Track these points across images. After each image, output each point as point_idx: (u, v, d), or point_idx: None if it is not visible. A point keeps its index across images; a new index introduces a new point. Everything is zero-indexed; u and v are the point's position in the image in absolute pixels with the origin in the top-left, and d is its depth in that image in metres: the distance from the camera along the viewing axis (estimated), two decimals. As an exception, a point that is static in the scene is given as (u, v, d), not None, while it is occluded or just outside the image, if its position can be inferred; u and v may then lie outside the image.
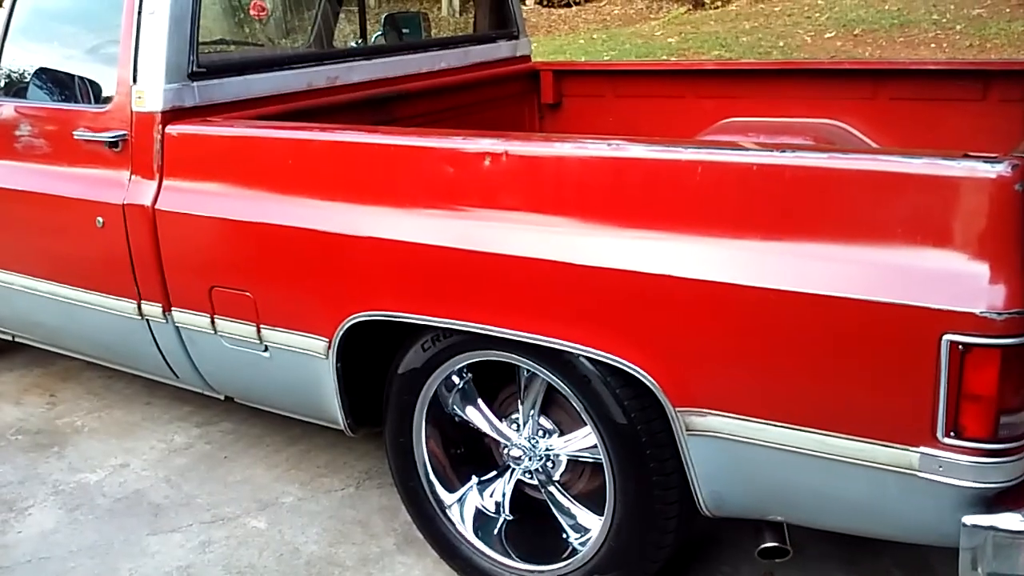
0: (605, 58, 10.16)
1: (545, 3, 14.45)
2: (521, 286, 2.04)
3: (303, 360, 2.44)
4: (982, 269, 1.59)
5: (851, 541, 2.43)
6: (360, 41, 4.13)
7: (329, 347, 2.36)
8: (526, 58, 4.03)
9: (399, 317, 2.24)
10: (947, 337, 1.60)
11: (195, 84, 2.67)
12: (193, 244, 2.59)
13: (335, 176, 2.31)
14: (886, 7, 10.67)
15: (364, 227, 2.23)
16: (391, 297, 2.23)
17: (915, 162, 1.66)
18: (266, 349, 2.52)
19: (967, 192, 1.60)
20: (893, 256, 1.66)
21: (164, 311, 2.70)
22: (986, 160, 1.59)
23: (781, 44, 10.04)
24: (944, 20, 9.99)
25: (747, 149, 1.82)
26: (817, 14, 11.00)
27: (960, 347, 1.59)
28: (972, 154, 1.62)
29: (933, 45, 9.45)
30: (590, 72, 4.05)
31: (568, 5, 14.33)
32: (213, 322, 2.60)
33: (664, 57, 9.96)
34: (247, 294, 2.49)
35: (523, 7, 14.09)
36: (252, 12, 5.43)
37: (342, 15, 4.29)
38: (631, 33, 11.75)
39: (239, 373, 2.69)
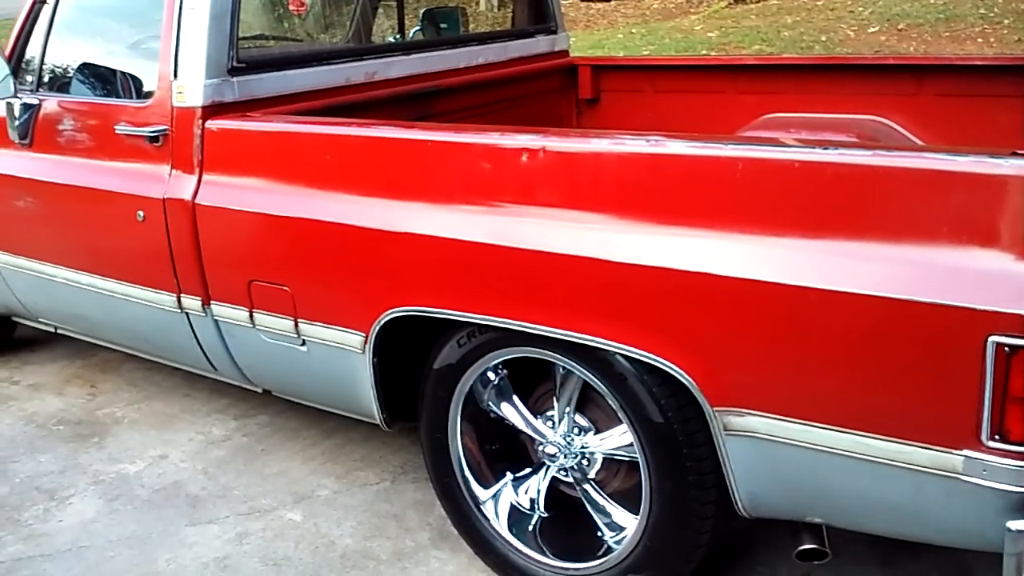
0: (644, 53, 10.09)
1: (584, -2, 14.39)
2: (557, 283, 2.03)
3: (340, 354, 2.45)
4: (1029, 270, 1.55)
5: (888, 543, 2.39)
6: (398, 36, 4.14)
7: (365, 342, 2.37)
8: (564, 53, 4.01)
9: (435, 313, 2.24)
10: (993, 339, 1.56)
11: (235, 79, 2.69)
12: (232, 238, 2.61)
13: (371, 172, 2.32)
14: (931, 1, 10.49)
15: (400, 223, 2.23)
16: (427, 293, 2.23)
17: (961, 160, 1.62)
18: (303, 343, 2.53)
19: (1014, 191, 1.56)
20: (938, 256, 1.63)
21: (203, 304, 2.73)
22: (1035, 158, 1.55)
23: (823, 39, 9.90)
24: (991, 14, 9.80)
25: (788, 146, 1.79)
26: (860, 8, 10.84)
27: (1006, 349, 1.56)
28: (1020, 152, 1.58)
29: (980, 40, 9.27)
30: (628, 67, 4.02)
31: (607, 0, 14.25)
32: (252, 316, 2.62)
33: (704, 52, 9.87)
34: (285, 288, 2.50)
35: (562, 2, 14.09)
36: (292, 7, 5.46)
37: (380, 10, 4.30)
38: (671, 28, 11.66)
39: (277, 367, 2.71)
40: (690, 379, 1.91)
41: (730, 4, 12.54)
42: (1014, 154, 1.58)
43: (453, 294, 2.20)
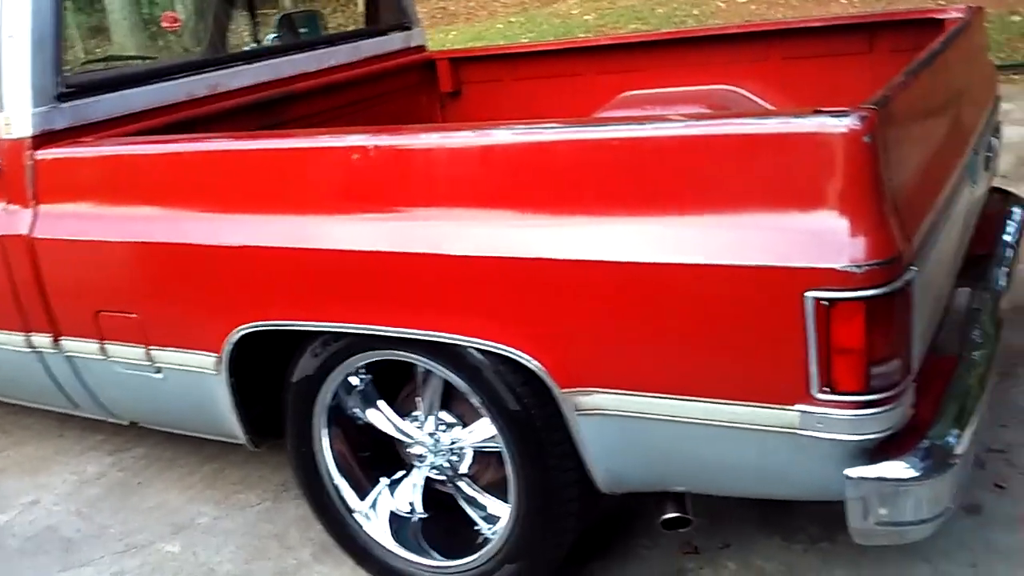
0: (523, 40, 10.12)
1: (463, -9, 14.35)
2: (401, 282, 2.00)
3: (195, 378, 2.38)
4: (840, 224, 1.58)
5: (765, 502, 2.44)
6: (255, 44, 4.06)
7: (219, 362, 2.30)
8: (421, 48, 3.97)
9: (285, 325, 2.19)
10: (810, 294, 1.59)
11: (64, 105, 2.58)
12: (74, 270, 2.51)
13: (206, 187, 2.25)
14: (796, -32, 10.74)
15: (238, 236, 2.17)
16: (274, 305, 2.18)
17: (768, 123, 1.65)
18: (159, 370, 2.45)
19: (819, 148, 1.59)
20: (755, 219, 1.65)
21: (54, 341, 2.62)
22: (835, 114, 1.58)
23: (696, 12, 10.09)
24: (853, -23, 10.09)
25: (607, 125, 1.80)
26: (730, -20, 11.05)
27: (825, 303, 1.59)
28: (822, 109, 1.61)
29: (844, 1, 9.55)
30: (486, 57, 4.00)
31: (486, -9, 14.24)
32: (103, 348, 2.53)
33: (582, 35, 9.95)
34: (133, 316, 2.42)
35: (441, -4, 13.99)
36: (164, 24, 5.32)
37: (235, 20, 4.21)
38: (549, 14, 11.73)
39: (136, 397, 2.62)
40: (538, 364, 1.90)
41: (606, -14, 12.64)
42: (816, 112, 1.61)
43: (300, 304, 2.15)
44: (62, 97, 2.58)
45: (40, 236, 2.50)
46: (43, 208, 2.52)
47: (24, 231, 2.53)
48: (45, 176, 2.51)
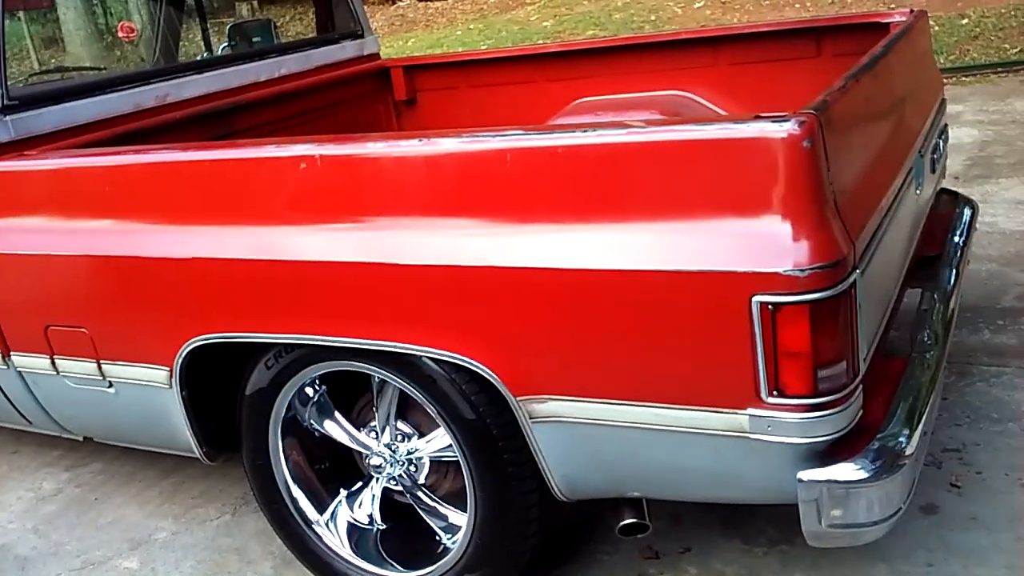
0: (482, 47, 10.13)
1: (422, -3, 14.35)
2: (350, 291, 1.99)
3: (148, 392, 2.36)
4: (782, 228, 1.60)
5: (725, 505, 2.46)
6: (206, 54, 4.03)
7: (171, 376, 2.28)
8: (374, 56, 3.96)
9: (236, 337, 2.17)
10: (756, 298, 1.61)
11: (8, 118, 2.55)
12: (22, 284, 2.47)
13: (152, 198, 2.23)
14: (751, -28, 10.86)
15: (186, 248, 2.15)
16: (224, 317, 2.17)
17: (708, 128, 1.67)
18: (110, 385, 2.42)
19: (759, 153, 1.61)
20: (699, 225, 1.66)
21: (3, 357, 2.58)
22: (775, 120, 1.60)
23: (653, 18, 10.16)
24: (807, -20, 10.22)
25: (551, 132, 1.80)
26: (687, -15, 11.15)
27: (770, 307, 1.60)
28: (763, 115, 1.63)
29: (797, 6, 9.67)
30: (440, 65, 4.00)
31: (444, -2, 14.26)
32: (54, 362, 2.49)
33: (540, 41, 9.98)
34: (82, 330, 2.39)
35: (400, 3, 13.97)
36: (121, 34, 5.26)
37: (188, 30, 4.18)
38: (507, 20, 11.76)
39: (89, 412, 2.59)
40: (491, 372, 1.90)
41: (564, -8, 12.70)
42: (757, 117, 1.63)
43: (250, 316, 2.14)
44: (6, 110, 2.55)
45: (-14, 251, 2.46)
46: (-11, 223, 2.48)
47: (-30, 246, 2.48)
48: (-10, 190, 2.47)
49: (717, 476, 1.86)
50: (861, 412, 1.75)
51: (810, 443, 1.69)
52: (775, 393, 1.66)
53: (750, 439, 1.72)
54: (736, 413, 1.71)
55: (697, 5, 10.22)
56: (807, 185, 1.59)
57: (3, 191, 2.48)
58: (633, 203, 1.71)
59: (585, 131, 1.74)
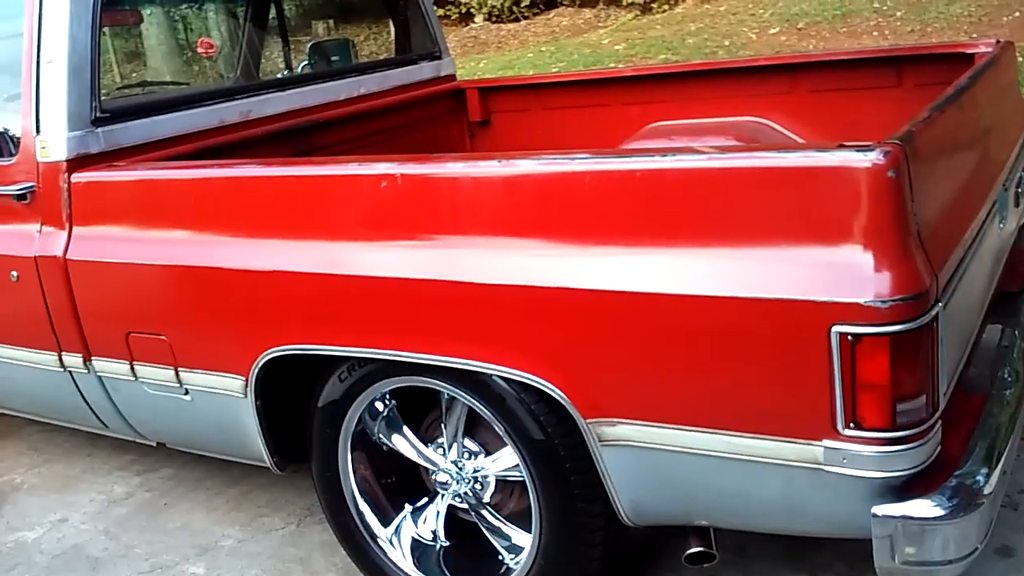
0: (553, 70, 10.18)
1: (494, 19, 14.47)
2: (424, 308, 2.02)
3: (223, 400, 2.41)
4: (864, 258, 1.58)
5: (792, 538, 2.41)
6: (286, 72, 4.13)
7: (247, 385, 2.33)
8: (451, 77, 4.02)
9: (312, 349, 2.21)
10: (836, 328, 1.59)
11: (99, 130, 2.63)
12: (106, 291, 2.55)
13: (236, 212, 2.28)
14: (827, -1, 10.76)
15: (269, 261, 2.20)
16: (302, 330, 2.21)
17: (791, 156, 1.66)
18: (186, 392, 2.48)
19: (843, 182, 1.59)
20: (779, 252, 1.65)
21: (85, 361, 2.66)
22: (859, 149, 1.59)
23: (727, 43, 10.09)
24: (885, 8, 10.07)
25: (630, 156, 1.81)
26: (761, 11, 11.06)
27: (849, 338, 1.58)
28: (847, 144, 1.62)
29: (876, 33, 9.52)
30: (515, 87, 4.04)
31: (517, 20, 14.35)
32: (133, 368, 2.56)
33: (612, 65, 9.98)
34: (162, 338, 2.45)
35: (473, 24, 14.11)
36: (200, 50, 5.42)
37: (270, 47, 4.28)
38: (579, 43, 11.78)
39: (164, 418, 2.65)
40: (561, 393, 1.91)
41: (636, 16, 12.71)
42: (840, 146, 1.61)
43: (328, 329, 2.17)
44: (97, 122, 2.64)
45: (73, 257, 2.55)
46: (77, 230, 2.57)
47: (58, 252, 2.57)
48: (79, 199, 2.56)
49: (787, 507, 1.83)
50: (939, 448, 1.71)
51: (886, 477, 1.66)
52: (852, 425, 1.64)
53: (824, 471, 1.69)
54: (810, 444, 1.69)
55: (772, 31, 10.13)
56: (891, 216, 1.58)
57: (92, 200, 2.56)
58: (712, 228, 1.71)
59: (665, 155, 1.75)
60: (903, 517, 1.67)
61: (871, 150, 1.57)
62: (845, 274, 1.59)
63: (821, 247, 1.62)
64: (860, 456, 1.65)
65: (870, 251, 1.58)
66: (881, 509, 1.67)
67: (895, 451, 1.63)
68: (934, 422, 1.67)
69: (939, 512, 1.66)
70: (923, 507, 1.67)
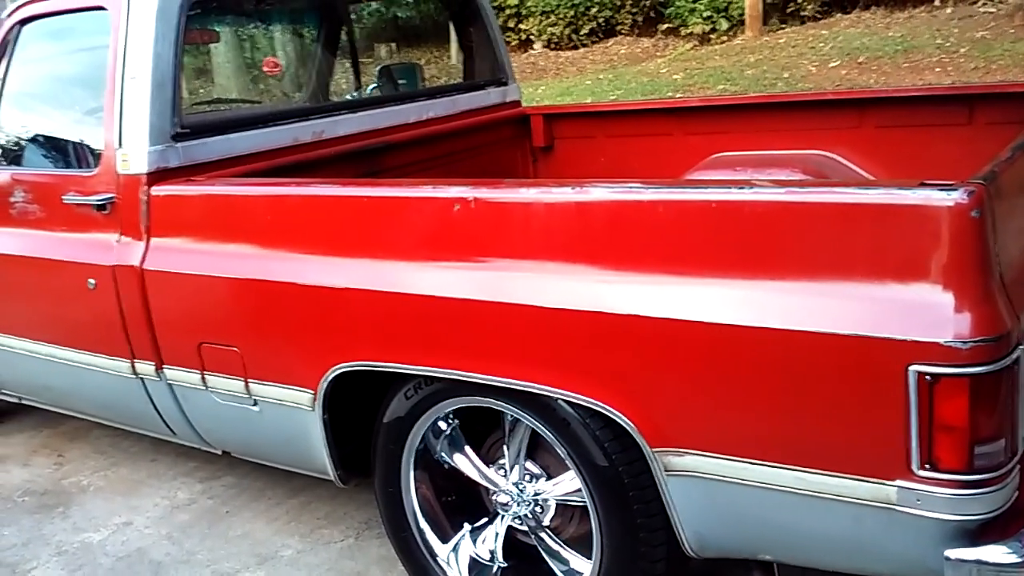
0: (611, 98, 10.22)
1: (553, 46, 14.57)
2: (497, 331, 2.05)
3: (291, 413, 2.45)
4: (945, 298, 1.58)
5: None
6: (355, 94, 4.21)
7: (315, 399, 2.37)
8: (516, 103, 4.06)
9: (379, 366, 2.24)
10: (914, 368, 1.58)
11: (179, 145, 2.71)
12: (181, 302, 2.62)
13: (311, 229, 2.34)
14: (889, 34, 10.66)
15: (341, 278, 2.24)
16: (372, 347, 2.25)
17: (872, 193, 1.66)
18: (255, 403, 2.53)
19: (925, 220, 1.59)
20: (857, 288, 1.65)
21: (157, 369, 2.73)
22: (942, 188, 1.58)
23: (786, 75, 10.05)
24: (948, 44, 9.97)
25: (706, 187, 1.82)
26: (821, 44, 11.01)
27: (928, 378, 1.58)
28: (929, 182, 1.61)
29: (938, 69, 9.42)
30: (579, 114, 4.07)
31: (576, 47, 14.43)
32: (204, 378, 2.62)
33: (669, 94, 10.00)
34: (234, 349, 2.51)
35: (532, 51, 14.22)
36: (266, 69, 5.55)
37: (339, 69, 4.37)
38: (637, 72, 11.81)
39: (231, 428, 2.70)
40: (628, 421, 1.92)
41: (695, 46, 12.72)
42: (923, 184, 1.61)
43: (396, 347, 2.21)
44: (177, 137, 2.71)
45: (150, 268, 2.62)
46: (154, 241, 2.65)
47: (135, 262, 2.65)
48: (158, 211, 2.64)
49: (856, 546, 1.82)
50: (1016, 493, 1.69)
51: (961, 521, 1.65)
52: (927, 466, 1.63)
53: (896, 511, 1.68)
54: (883, 483, 1.68)
55: (832, 64, 10.08)
56: (973, 256, 1.57)
57: (169, 213, 2.63)
58: (788, 262, 1.71)
59: (742, 188, 1.76)
60: (977, 562, 1.66)
61: (954, 189, 1.57)
62: (924, 313, 1.58)
63: (900, 285, 1.61)
64: (935, 498, 1.64)
65: (951, 291, 1.57)
66: (955, 553, 1.66)
67: (971, 494, 1.62)
68: (1012, 466, 1.65)
69: (1014, 559, 1.64)
70: (998, 553, 1.65)
